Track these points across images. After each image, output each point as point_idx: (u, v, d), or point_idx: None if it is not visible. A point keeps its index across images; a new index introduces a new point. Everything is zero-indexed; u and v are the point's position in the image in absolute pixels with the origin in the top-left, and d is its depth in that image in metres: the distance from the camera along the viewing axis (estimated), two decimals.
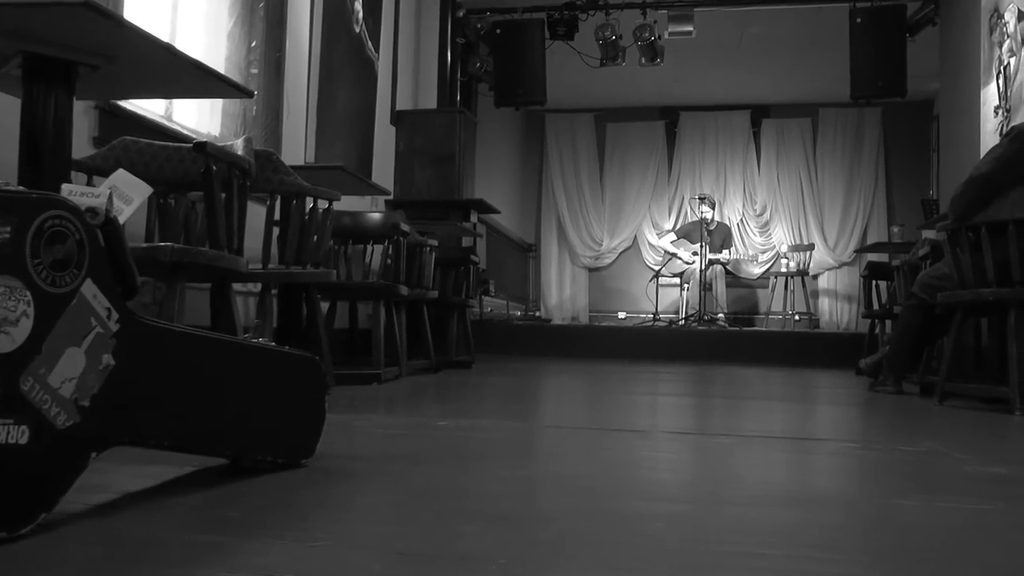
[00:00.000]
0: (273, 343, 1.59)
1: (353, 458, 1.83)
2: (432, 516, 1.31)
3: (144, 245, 2.36)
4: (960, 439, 2.57)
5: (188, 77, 2.22)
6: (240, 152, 2.73)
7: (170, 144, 2.91)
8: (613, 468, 1.83)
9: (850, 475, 1.88)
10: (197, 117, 4.35)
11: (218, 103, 4.44)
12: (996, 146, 3.52)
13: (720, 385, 4.89)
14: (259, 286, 3.33)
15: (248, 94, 2.47)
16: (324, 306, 4.76)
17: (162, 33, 3.92)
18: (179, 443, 1.38)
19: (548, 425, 2.62)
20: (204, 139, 3.87)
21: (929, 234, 5.74)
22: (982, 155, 5.62)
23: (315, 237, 3.28)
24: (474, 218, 6.56)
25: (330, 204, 3.35)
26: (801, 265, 9.79)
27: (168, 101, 3.88)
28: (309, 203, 3.30)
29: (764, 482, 1.76)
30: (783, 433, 2.63)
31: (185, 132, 3.81)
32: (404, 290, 4.28)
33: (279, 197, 3.25)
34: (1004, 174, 3.38)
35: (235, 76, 4.46)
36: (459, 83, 7.70)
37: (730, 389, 4.54)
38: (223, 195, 2.60)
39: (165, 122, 3.69)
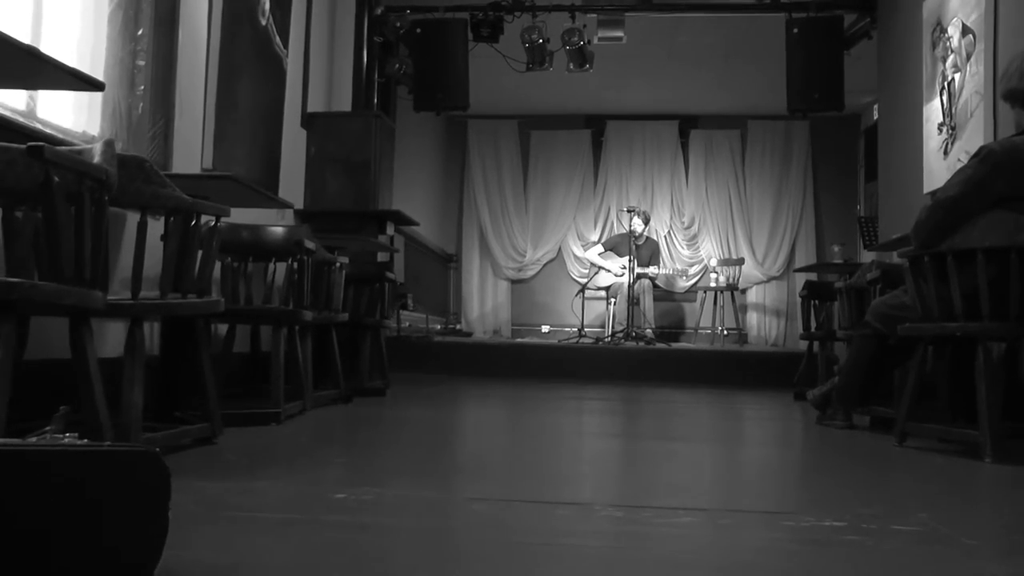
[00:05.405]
0: (86, 440, 1.12)
1: None
2: None
3: None
4: (951, 506, 2.23)
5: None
6: (97, 159, 2.22)
7: (13, 146, 2.38)
8: None
9: None
10: (73, 115, 3.78)
11: (96, 98, 3.88)
12: (964, 167, 3.22)
13: (652, 417, 4.52)
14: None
15: (97, 86, 1.96)
16: (222, 328, 4.25)
17: (25, 12, 3.36)
18: None
19: (470, 497, 2.18)
20: (66, 140, 3.33)
21: (871, 255, 5.49)
22: (925, 174, 5.42)
23: (198, 260, 2.77)
24: (391, 230, 6.08)
25: (217, 220, 2.85)
26: (730, 279, 9.55)
27: (29, 94, 3.32)
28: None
29: None
30: (749, 506, 2.25)
31: (49, 132, 3.25)
32: (309, 315, 3.79)
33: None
34: (974, 197, 3.07)
35: (116, 69, 3.91)
36: (376, 85, 7.20)
37: (665, 425, 4.17)
38: (72, 212, 2.10)
39: (22, 120, 3.12)
